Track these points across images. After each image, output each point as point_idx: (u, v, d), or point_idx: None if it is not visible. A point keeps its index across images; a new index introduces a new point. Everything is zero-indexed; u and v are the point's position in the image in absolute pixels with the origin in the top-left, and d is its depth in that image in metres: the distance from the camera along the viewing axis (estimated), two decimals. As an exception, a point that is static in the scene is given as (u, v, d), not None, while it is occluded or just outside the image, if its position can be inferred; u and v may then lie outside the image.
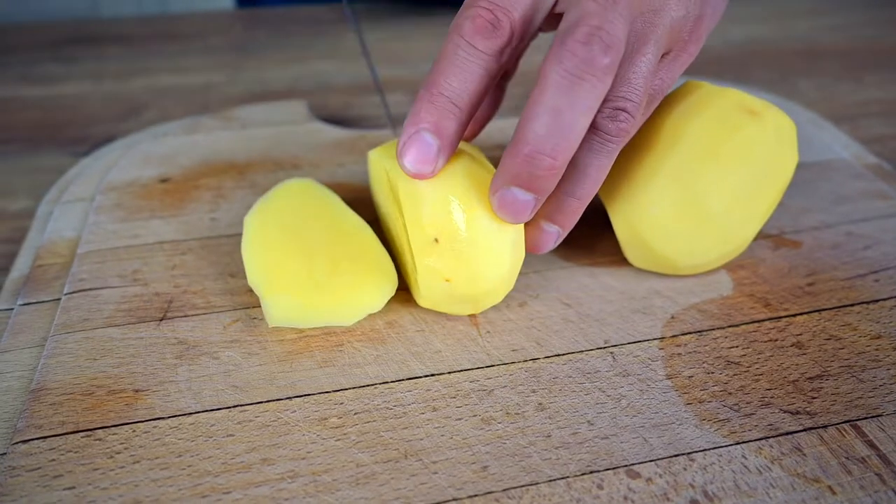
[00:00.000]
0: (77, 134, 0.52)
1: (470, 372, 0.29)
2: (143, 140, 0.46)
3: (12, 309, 0.33)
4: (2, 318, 0.32)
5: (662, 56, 0.30)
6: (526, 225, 0.31)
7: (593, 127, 0.28)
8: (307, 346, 0.30)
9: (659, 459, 0.26)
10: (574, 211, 0.30)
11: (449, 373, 0.29)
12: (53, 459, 0.25)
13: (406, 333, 0.31)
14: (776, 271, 0.35)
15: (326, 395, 0.28)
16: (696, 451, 0.26)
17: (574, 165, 0.29)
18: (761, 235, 0.37)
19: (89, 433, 0.26)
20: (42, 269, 0.35)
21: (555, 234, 0.31)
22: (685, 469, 0.25)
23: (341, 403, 0.28)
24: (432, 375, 0.29)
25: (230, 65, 0.65)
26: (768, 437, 0.27)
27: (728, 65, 0.65)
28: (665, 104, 0.34)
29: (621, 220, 0.33)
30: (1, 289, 0.35)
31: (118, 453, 0.25)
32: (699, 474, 0.25)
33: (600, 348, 0.30)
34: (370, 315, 0.32)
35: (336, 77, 0.61)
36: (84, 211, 0.39)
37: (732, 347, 0.31)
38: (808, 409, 0.28)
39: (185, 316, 0.31)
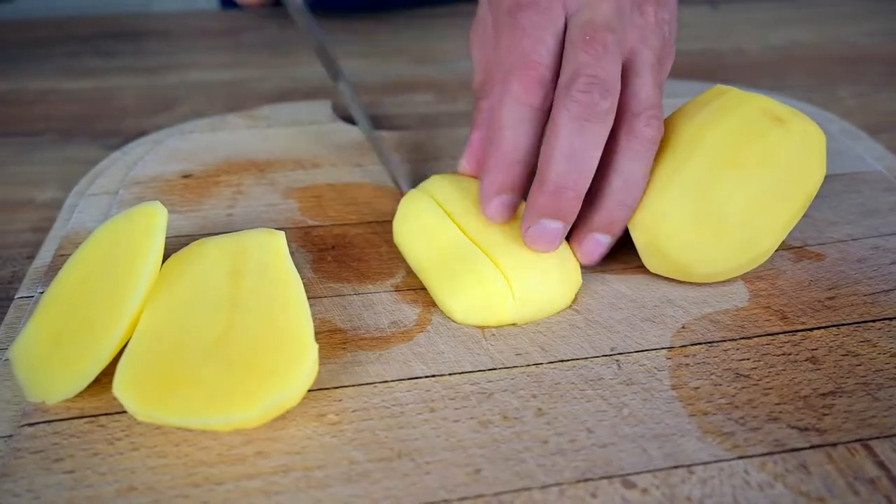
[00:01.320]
0: (110, 127, 0.54)
1: (471, 374, 0.29)
2: (170, 136, 0.47)
3: (32, 297, 0.34)
4: (22, 305, 0.33)
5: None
6: (579, 239, 0.33)
7: (634, 137, 0.31)
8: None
9: (657, 470, 0.25)
10: (623, 219, 0.33)
11: (450, 374, 0.29)
12: (56, 443, 0.26)
13: (410, 334, 0.31)
14: (796, 284, 0.34)
15: (326, 391, 0.28)
16: (697, 464, 0.25)
17: (622, 176, 0.31)
18: (783, 247, 0.36)
19: (93, 419, 0.27)
20: (63, 258, 0.36)
21: (607, 243, 0.33)
22: (683, 482, 0.25)
23: (340, 401, 0.28)
24: (433, 377, 0.29)
25: (263, 62, 0.66)
26: (773, 453, 0.26)
27: (765, 70, 0.64)
28: (688, 109, 0.34)
29: (639, 227, 0.33)
30: (24, 277, 0.36)
31: (119, 440, 0.26)
32: (697, 487, 0.24)
33: (606, 356, 0.30)
34: (375, 316, 0.32)
35: (366, 76, 0.62)
36: (108, 204, 0.40)
37: (743, 360, 0.30)
38: (817, 426, 0.27)
39: (195, 308, 0.32)
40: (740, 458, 0.26)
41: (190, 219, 0.38)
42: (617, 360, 0.30)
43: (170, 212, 0.38)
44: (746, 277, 0.34)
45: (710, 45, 0.70)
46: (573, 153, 0.30)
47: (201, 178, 0.42)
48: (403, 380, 0.29)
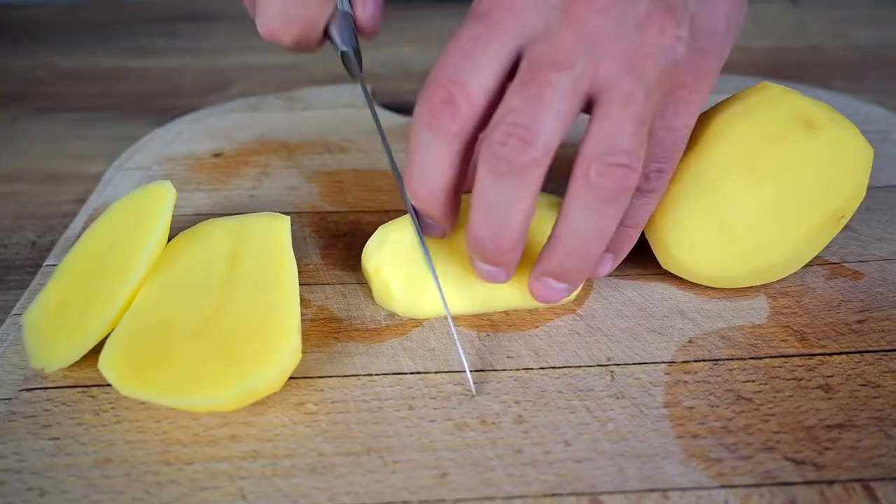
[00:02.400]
0: (164, 105, 0.56)
1: (457, 374, 0.28)
2: (210, 115, 0.48)
3: (55, 265, 0.35)
4: (48, 273, 0.35)
5: (666, 101, 0.28)
6: (533, 278, 0.30)
7: (585, 186, 0.26)
8: (308, 331, 0.30)
9: (630, 492, 0.24)
10: (578, 270, 0.28)
11: (436, 372, 0.28)
12: (48, 410, 0.27)
13: (405, 328, 0.31)
14: (824, 303, 0.32)
15: (310, 380, 0.28)
16: (674, 489, 0.24)
17: (573, 226, 0.27)
18: (818, 262, 0.34)
19: (85, 389, 0.28)
20: (90, 230, 0.37)
21: (563, 289, 0.29)
22: (656, 507, 0.23)
23: (321, 391, 0.28)
24: (418, 373, 0.28)
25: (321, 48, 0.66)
26: (761, 485, 0.24)
27: (843, 70, 0.59)
28: (726, 104, 0.32)
29: (650, 223, 0.31)
30: (55, 245, 0.38)
31: (105, 412, 0.27)
32: (670, 515, 0.23)
33: (601, 365, 0.29)
34: (372, 307, 0.32)
35: (417, 62, 0.61)
36: (141, 179, 0.41)
37: (748, 382, 0.28)
38: (816, 461, 0.25)
39: (200, 287, 0.33)
40: (723, 487, 0.24)
41: (212, 197, 0.39)
42: (612, 372, 0.28)
43: (195, 190, 0.40)
44: (770, 292, 0.32)
45: (784, 43, 0.65)
46: (490, 207, 0.26)
47: (231, 158, 0.42)
48: (388, 374, 0.28)
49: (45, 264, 0.36)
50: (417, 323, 0.31)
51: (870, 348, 0.29)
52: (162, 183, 0.32)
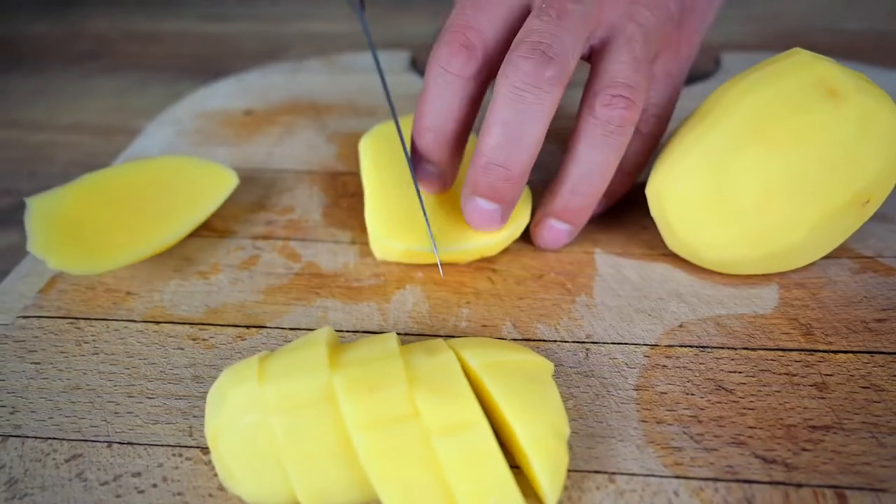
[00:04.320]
0: (221, 67, 0.57)
1: (419, 338, 0.28)
2: (252, 75, 0.49)
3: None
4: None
5: (658, 54, 0.30)
6: (536, 222, 0.31)
7: (594, 118, 0.27)
8: (291, 285, 0.31)
9: (574, 471, 0.23)
10: (582, 208, 0.30)
11: (405, 334, 0.28)
12: (36, 336, 0.28)
13: (386, 290, 0.30)
14: (844, 298, 0.29)
15: (280, 330, 0.28)
16: (621, 473, 0.22)
17: (577, 161, 0.29)
18: (849, 254, 0.31)
19: (74, 321, 0.29)
20: (118, 177, 0.39)
21: (566, 230, 0.31)
22: (598, 488, 0.22)
23: (290, 342, 0.28)
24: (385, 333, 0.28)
25: (382, 16, 0.66)
26: (719, 480, 0.22)
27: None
28: (743, 73, 0.29)
29: (653, 195, 0.30)
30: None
31: (86, 342, 0.28)
32: (610, 499, 0.22)
33: (578, 342, 0.27)
34: (362, 267, 0.32)
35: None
36: (173, 132, 0.42)
37: (734, 372, 0.26)
38: (788, 461, 0.22)
39: (200, 236, 0.33)
40: (676, 477, 0.22)
41: (233, 151, 0.40)
42: (587, 349, 0.27)
43: (218, 144, 0.41)
44: (785, 283, 0.30)
45: (879, 26, 0.60)
46: (507, 125, 0.26)
47: (260, 116, 0.43)
48: (357, 332, 0.28)
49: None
50: (400, 286, 0.30)
51: (883, 349, 0.26)
52: (229, 171, 0.34)
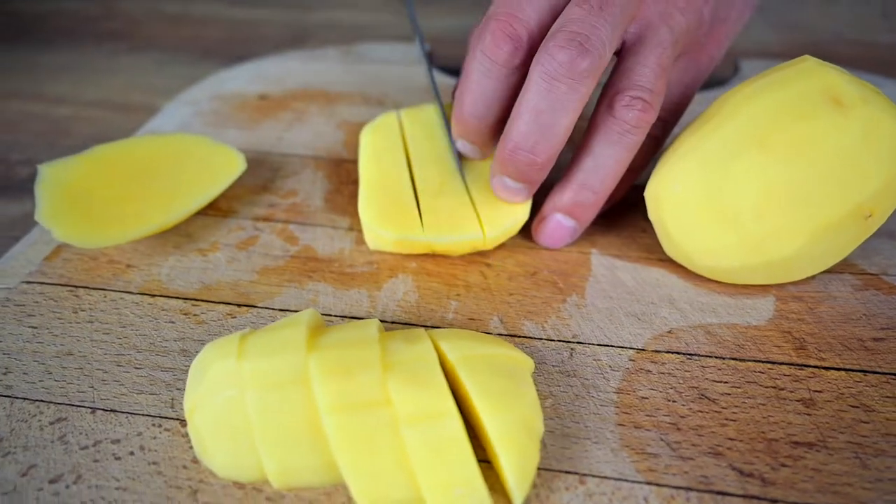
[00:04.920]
0: (243, 51, 0.58)
1: (405, 328, 0.28)
2: (271, 61, 0.49)
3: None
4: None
5: (678, 58, 0.30)
6: (541, 218, 0.31)
7: (612, 117, 0.28)
8: (286, 266, 0.31)
9: (544, 469, 0.22)
10: (591, 205, 0.30)
11: (391, 322, 0.28)
12: (36, 302, 0.29)
13: (378, 277, 0.30)
14: (843, 315, 0.28)
15: (270, 311, 0.29)
16: (592, 476, 0.22)
17: (591, 156, 0.29)
18: (852, 270, 0.30)
19: (73, 289, 0.30)
20: (131, 153, 0.40)
21: (571, 228, 0.31)
22: (567, 489, 0.22)
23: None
24: (359, 319, 0.28)
25: (402, 9, 0.67)
26: (691, 490, 0.22)
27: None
28: (748, 80, 0.29)
29: (651, 198, 0.29)
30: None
31: (83, 310, 0.29)
32: (578, 500, 0.22)
33: (564, 341, 0.27)
34: (357, 254, 0.32)
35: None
36: (190, 113, 0.43)
37: (719, 382, 0.25)
38: (765, 476, 0.22)
39: (204, 214, 0.34)
40: (648, 483, 0.22)
41: (245, 134, 0.40)
42: (573, 349, 0.27)
43: (231, 127, 0.41)
44: (782, 295, 0.29)
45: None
46: (538, 113, 0.26)
47: (274, 101, 0.44)
48: (345, 317, 0.28)
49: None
50: (393, 274, 0.30)
51: (878, 369, 0.26)
52: (238, 154, 0.34)
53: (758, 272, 0.28)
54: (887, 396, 0.25)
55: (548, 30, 0.27)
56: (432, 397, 0.21)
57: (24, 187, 0.41)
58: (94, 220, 0.30)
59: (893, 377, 0.25)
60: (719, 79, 0.46)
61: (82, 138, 0.46)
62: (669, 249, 0.30)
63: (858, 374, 0.25)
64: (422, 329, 0.24)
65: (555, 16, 0.28)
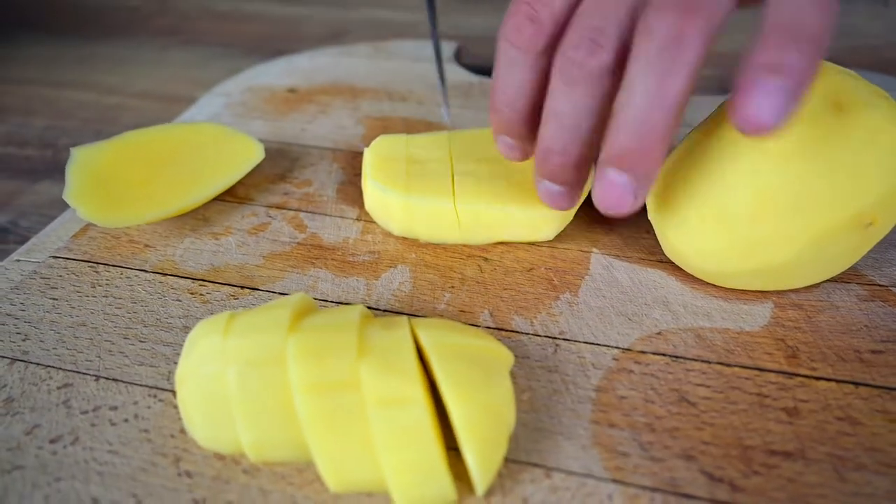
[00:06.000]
0: (282, 47, 0.60)
1: (393, 316, 0.28)
2: (303, 57, 0.51)
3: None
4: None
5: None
6: (595, 177, 0.26)
7: (647, 39, 0.23)
8: (292, 252, 0.32)
9: (512, 461, 0.23)
10: (642, 149, 0.24)
11: (384, 310, 0.29)
12: (60, 276, 0.31)
13: (378, 267, 0.31)
14: (842, 325, 0.27)
15: (271, 294, 0.30)
16: (559, 470, 0.22)
17: (632, 95, 0.23)
18: (860, 280, 0.29)
19: (94, 265, 0.32)
20: (164, 140, 0.42)
21: (621, 184, 0.25)
22: (532, 481, 0.22)
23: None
24: (350, 304, 0.29)
25: (444, 8, 0.67)
26: (657, 491, 0.22)
27: None
28: None
29: (650, 197, 0.29)
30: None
31: (100, 286, 0.30)
32: (542, 493, 0.22)
33: (550, 337, 0.27)
34: (361, 243, 0.33)
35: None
36: (221, 104, 0.45)
37: (701, 385, 0.25)
38: (735, 482, 0.22)
39: (222, 200, 0.35)
40: (614, 481, 0.22)
41: (270, 125, 0.42)
42: (558, 345, 0.27)
43: (257, 117, 0.43)
44: (781, 302, 0.28)
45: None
46: (561, 116, 0.26)
47: (302, 94, 0.45)
48: (341, 302, 0.29)
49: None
50: (392, 265, 0.31)
51: (871, 382, 0.25)
52: (257, 143, 0.36)
53: (754, 277, 0.27)
54: (876, 410, 0.24)
55: (574, 11, 0.26)
56: (401, 383, 0.22)
57: (67, 170, 0.44)
58: (118, 202, 0.32)
59: (886, 391, 0.24)
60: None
61: (125, 126, 0.49)
62: (668, 250, 0.29)
63: (849, 385, 0.25)
64: (404, 317, 0.25)
65: None
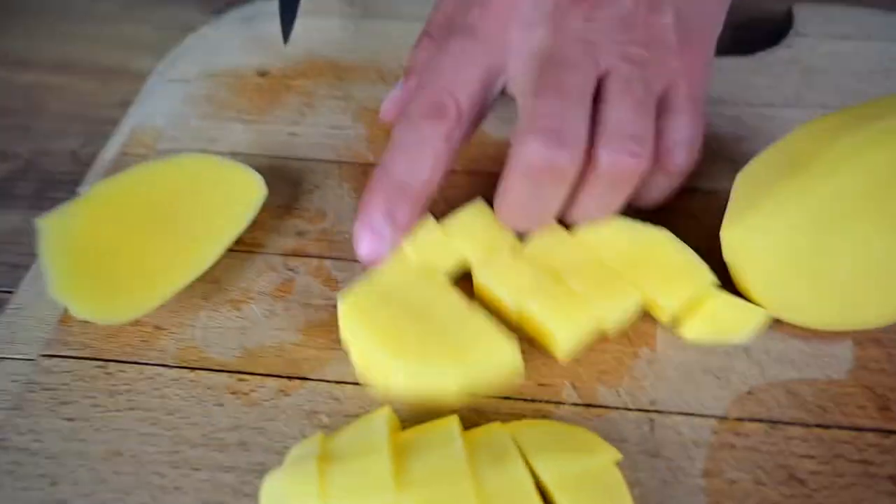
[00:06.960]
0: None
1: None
2: (263, 14, 0.43)
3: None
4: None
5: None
6: None
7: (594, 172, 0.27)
8: (332, 321, 0.28)
9: (644, 580, 0.22)
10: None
11: (460, 391, 0.26)
12: (66, 384, 0.27)
13: (434, 328, 0.28)
14: (922, 360, 0.27)
15: (326, 384, 0.27)
16: (693, 586, 0.22)
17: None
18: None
19: (103, 364, 0.27)
20: (126, 158, 0.35)
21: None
22: None
23: (337, 399, 0.26)
24: (441, 390, 0.26)
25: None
26: None
27: None
28: (861, 111, 0.26)
29: (731, 240, 0.27)
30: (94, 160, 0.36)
31: (120, 394, 0.26)
32: None
33: (642, 410, 0.26)
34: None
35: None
36: (180, 98, 0.38)
37: (806, 457, 0.25)
38: (862, 577, 0.22)
39: (229, 252, 0.30)
40: (749, 591, 0.22)
41: (251, 131, 0.36)
42: (652, 420, 0.26)
43: (234, 119, 0.37)
44: (859, 337, 0.28)
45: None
46: (526, 205, 0.28)
47: (276, 79, 0.39)
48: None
49: (78, 189, 0.34)
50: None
51: (962, 432, 0.25)
52: (254, 175, 0.31)
53: (830, 318, 0.27)
54: (974, 467, 0.24)
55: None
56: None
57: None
58: (114, 286, 0.27)
59: (979, 442, 0.25)
60: (771, 32, 0.42)
61: (52, 116, 0.41)
62: (741, 288, 0.28)
63: (944, 439, 0.25)
64: (505, 435, 0.23)
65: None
